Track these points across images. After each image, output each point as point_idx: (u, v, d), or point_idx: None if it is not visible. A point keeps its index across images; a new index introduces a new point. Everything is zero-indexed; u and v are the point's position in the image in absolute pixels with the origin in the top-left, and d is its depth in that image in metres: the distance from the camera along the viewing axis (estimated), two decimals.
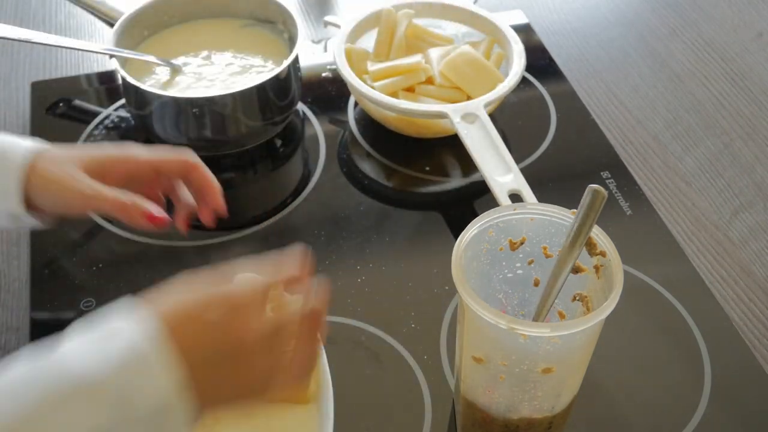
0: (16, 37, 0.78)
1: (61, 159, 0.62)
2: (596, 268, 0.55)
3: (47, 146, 0.63)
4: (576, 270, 0.55)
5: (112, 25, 0.84)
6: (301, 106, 0.90)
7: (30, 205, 0.62)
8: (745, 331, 0.71)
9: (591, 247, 0.55)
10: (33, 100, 0.90)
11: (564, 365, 0.54)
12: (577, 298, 0.58)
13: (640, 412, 0.65)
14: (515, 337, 0.50)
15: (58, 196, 0.61)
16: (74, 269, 0.74)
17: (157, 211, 0.62)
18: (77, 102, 0.90)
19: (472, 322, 0.53)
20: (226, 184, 0.82)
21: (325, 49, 0.99)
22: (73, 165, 0.62)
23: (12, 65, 0.97)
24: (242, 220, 0.79)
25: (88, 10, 0.88)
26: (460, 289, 0.52)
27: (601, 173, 0.83)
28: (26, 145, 0.62)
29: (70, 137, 0.86)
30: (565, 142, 0.87)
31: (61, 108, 0.89)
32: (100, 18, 0.88)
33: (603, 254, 0.55)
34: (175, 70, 0.83)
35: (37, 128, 0.87)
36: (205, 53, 0.86)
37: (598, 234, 0.55)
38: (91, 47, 0.83)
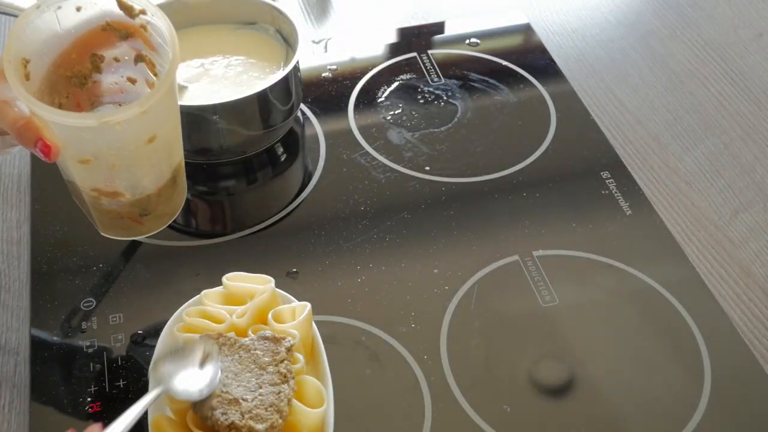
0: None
1: None
2: (143, 28, 0.58)
3: None
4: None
5: None
6: (301, 107, 0.90)
7: None
8: (745, 331, 0.71)
9: (127, 9, 0.58)
10: None
11: (163, 132, 0.59)
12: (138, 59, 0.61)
13: (640, 412, 0.65)
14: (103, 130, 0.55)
15: None
16: (74, 269, 0.74)
17: (51, 139, 0.57)
18: None
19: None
20: (227, 191, 0.83)
21: (326, 49, 0.99)
22: None
23: None
24: (243, 221, 0.79)
25: None
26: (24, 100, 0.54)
27: (601, 173, 0.84)
28: None
29: None
30: (565, 142, 0.87)
31: None
32: None
33: (143, 12, 0.58)
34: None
35: None
36: (197, 62, 0.84)
37: None
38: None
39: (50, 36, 0.58)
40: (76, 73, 0.61)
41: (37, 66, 0.58)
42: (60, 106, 0.59)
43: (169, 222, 0.68)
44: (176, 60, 0.57)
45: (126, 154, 0.59)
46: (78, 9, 0.58)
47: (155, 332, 0.66)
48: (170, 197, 0.66)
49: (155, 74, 0.62)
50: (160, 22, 0.59)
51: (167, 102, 0.59)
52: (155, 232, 0.67)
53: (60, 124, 0.55)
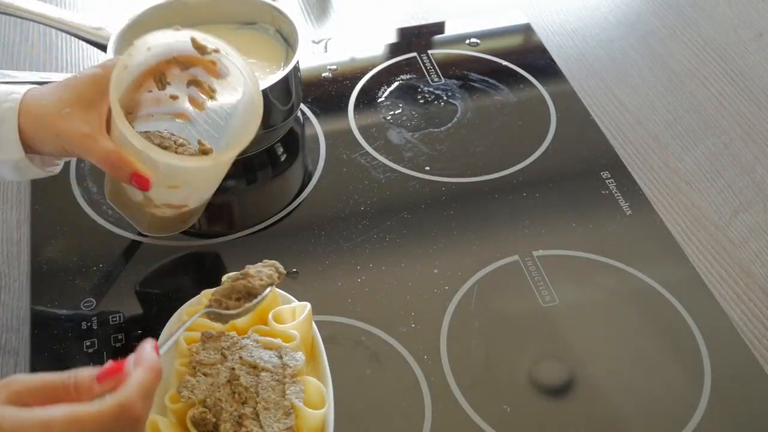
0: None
1: (49, 97, 0.61)
2: (212, 63, 0.63)
3: (33, 86, 0.63)
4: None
5: (98, 45, 0.83)
6: (301, 106, 0.90)
7: (27, 149, 0.62)
8: (745, 330, 0.71)
9: (200, 49, 0.62)
10: None
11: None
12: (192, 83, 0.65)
13: (640, 412, 0.65)
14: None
15: (49, 132, 0.60)
16: (74, 269, 0.74)
17: (144, 171, 0.60)
18: None
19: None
20: (228, 191, 0.83)
21: (326, 49, 0.99)
22: (61, 102, 0.61)
23: (12, 65, 0.97)
24: (243, 221, 0.79)
25: (73, 35, 0.86)
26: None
27: (601, 173, 0.84)
28: (12, 89, 0.61)
29: None
30: (565, 142, 0.87)
31: None
32: (88, 42, 0.86)
33: (217, 51, 0.62)
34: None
35: None
36: None
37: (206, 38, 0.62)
38: None
39: (123, 75, 0.60)
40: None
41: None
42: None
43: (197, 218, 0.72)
44: (259, 99, 0.62)
45: (213, 178, 0.65)
46: (148, 49, 0.61)
47: (155, 332, 0.66)
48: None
49: (211, 97, 0.67)
50: (235, 60, 0.63)
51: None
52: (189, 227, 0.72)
53: (168, 163, 0.59)
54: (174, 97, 0.66)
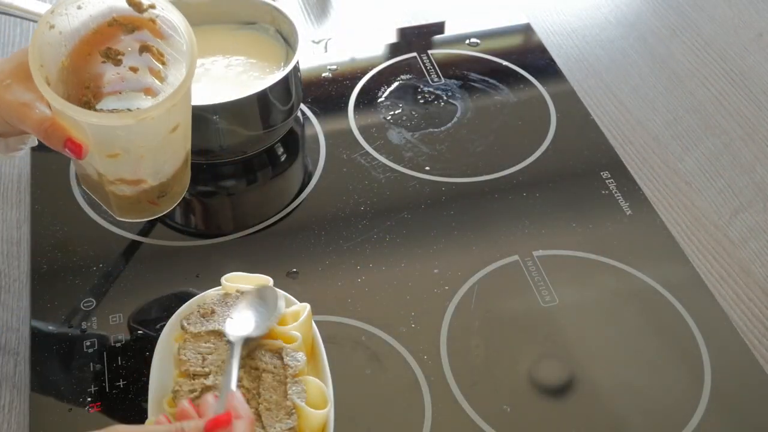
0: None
1: None
2: (152, 21, 0.60)
3: None
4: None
5: None
6: (301, 106, 0.90)
7: None
8: (745, 331, 0.71)
9: (136, 5, 0.60)
10: None
11: (183, 119, 0.62)
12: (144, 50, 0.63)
13: (640, 412, 0.65)
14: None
15: None
16: (74, 269, 0.74)
17: (78, 137, 0.59)
18: None
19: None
20: (227, 191, 0.83)
21: (326, 49, 0.99)
22: (2, 74, 0.59)
23: None
24: (243, 221, 0.79)
25: None
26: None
27: (601, 173, 0.84)
28: None
29: None
30: (565, 142, 0.87)
31: None
32: None
33: (152, 6, 0.60)
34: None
35: None
36: (198, 62, 0.82)
37: None
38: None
39: (58, 39, 0.59)
40: (90, 80, 0.63)
41: (50, 69, 0.59)
42: (68, 99, 0.60)
43: (179, 200, 0.69)
44: (194, 48, 0.59)
45: (154, 145, 0.61)
46: (78, 7, 0.59)
47: (155, 332, 0.66)
48: (182, 177, 0.68)
49: (162, 63, 0.63)
50: (170, 15, 0.60)
51: (188, 91, 0.61)
52: (168, 210, 0.69)
53: (96, 125, 0.57)
54: (134, 69, 0.64)
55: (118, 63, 0.63)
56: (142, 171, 0.63)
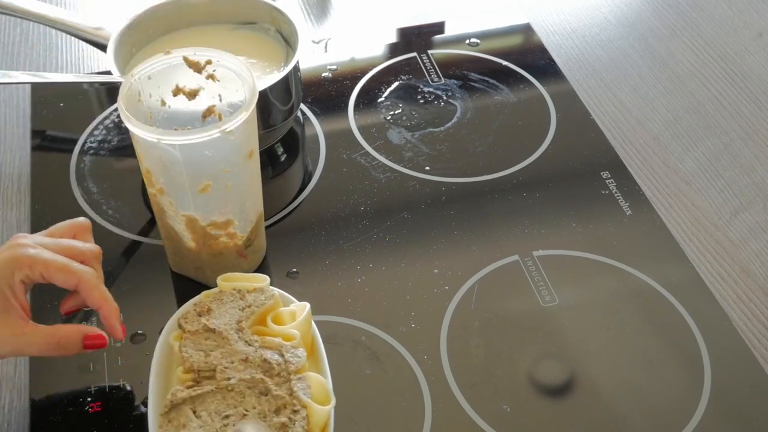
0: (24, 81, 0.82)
1: None
2: (211, 78, 0.65)
3: None
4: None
5: (98, 45, 0.83)
6: (301, 106, 0.90)
7: None
8: (745, 331, 0.71)
9: (194, 66, 0.65)
10: (33, 100, 0.90)
11: (256, 149, 0.66)
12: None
13: (640, 412, 0.65)
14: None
15: None
16: None
17: (92, 330, 0.59)
18: (77, 102, 0.90)
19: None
20: None
21: (326, 49, 0.99)
22: None
23: (12, 65, 0.97)
24: None
25: (73, 35, 0.86)
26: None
27: (601, 173, 0.84)
28: None
29: (71, 136, 0.86)
30: (565, 142, 0.87)
31: (61, 108, 0.89)
32: (88, 42, 0.86)
33: (209, 63, 0.64)
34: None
35: (38, 128, 0.87)
36: None
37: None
38: (104, 78, 0.83)
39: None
40: None
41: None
42: None
43: (262, 258, 0.73)
44: (255, 88, 0.62)
45: (237, 171, 0.64)
46: (149, 78, 0.65)
47: (155, 332, 0.66)
48: (261, 231, 0.72)
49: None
50: (227, 62, 0.65)
51: (254, 124, 0.64)
52: (254, 269, 0.72)
53: (187, 145, 0.59)
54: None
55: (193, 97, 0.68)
56: (229, 207, 0.66)
